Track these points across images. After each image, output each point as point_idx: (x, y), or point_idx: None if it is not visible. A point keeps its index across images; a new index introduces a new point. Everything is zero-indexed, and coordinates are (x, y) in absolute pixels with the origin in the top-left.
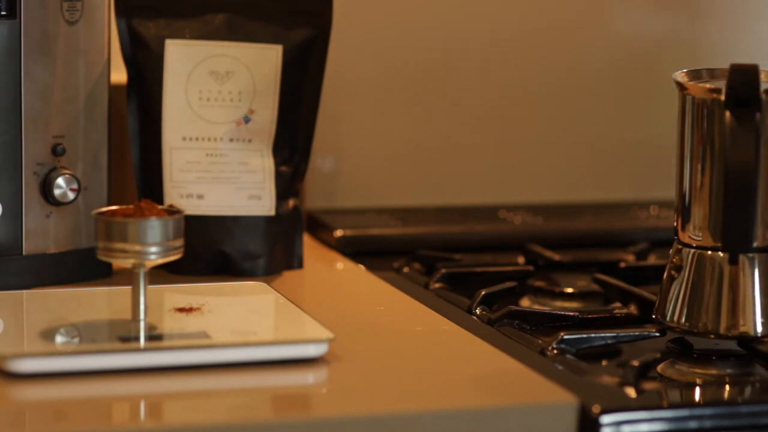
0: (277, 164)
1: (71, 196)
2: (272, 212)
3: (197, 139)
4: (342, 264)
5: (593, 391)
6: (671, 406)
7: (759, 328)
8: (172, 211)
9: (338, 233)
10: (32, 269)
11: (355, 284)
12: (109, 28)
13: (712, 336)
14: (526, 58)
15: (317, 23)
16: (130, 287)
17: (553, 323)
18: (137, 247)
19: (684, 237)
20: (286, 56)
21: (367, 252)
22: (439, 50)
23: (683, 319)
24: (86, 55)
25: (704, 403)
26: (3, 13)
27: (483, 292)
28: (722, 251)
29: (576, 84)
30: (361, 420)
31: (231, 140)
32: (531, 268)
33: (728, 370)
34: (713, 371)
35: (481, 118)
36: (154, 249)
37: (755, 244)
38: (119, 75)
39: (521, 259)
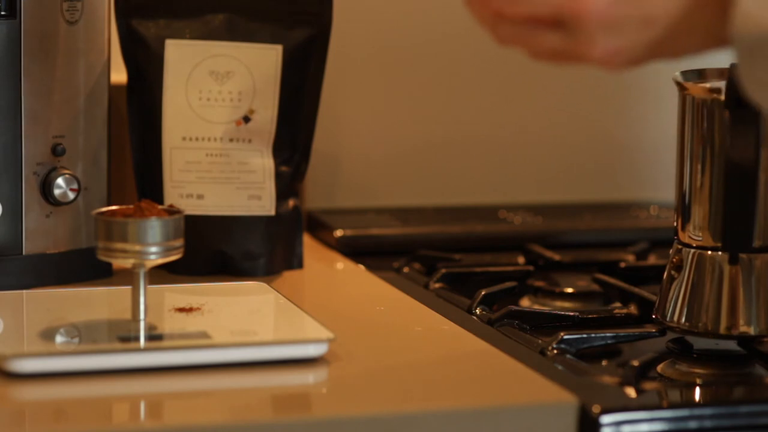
0: (277, 164)
1: (71, 196)
2: (272, 212)
3: (197, 139)
4: (342, 264)
5: (593, 391)
6: (671, 406)
7: (759, 328)
8: (172, 211)
9: (338, 233)
10: (32, 269)
11: (355, 284)
12: (109, 28)
13: (712, 336)
14: (525, 58)
15: (317, 23)
16: (130, 287)
17: (553, 323)
18: (137, 247)
19: (684, 237)
20: (286, 56)
21: (367, 252)
22: (439, 51)
23: (683, 319)
24: (86, 55)
25: (704, 403)
26: (3, 13)
27: (483, 292)
28: (722, 251)
29: (576, 84)
30: (361, 420)
31: (231, 140)
32: (531, 268)
33: (728, 370)
34: (713, 371)
35: (481, 118)
36: (154, 249)
37: (755, 244)
38: (119, 75)
39: (521, 259)
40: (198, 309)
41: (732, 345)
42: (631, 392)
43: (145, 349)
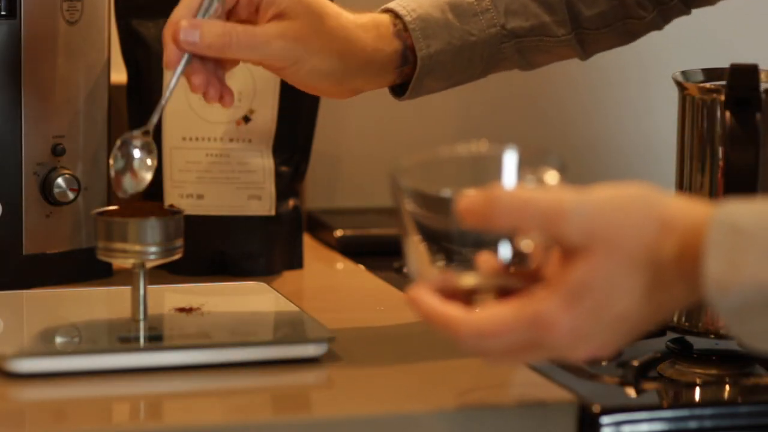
0: (277, 164)
1: (71, 196)
2: (272, 212)
3: (197, 139)
4: (342, 264)
5: (593, 391)
6: (671, 406)
7: None
8: (172, 211)
9: (338, 233)
10: (32, 269)
11: (355, 284)
12: (109, 28)
13: (712, 336)
14: None
15: None
16: (130, 287)
17: None
18: (137, 247)
19: None
20: None
21: (367, 252)
22: None
23: (683, 319)
24: (86, 55)
25: (704, 403)
26: (3, 13)
27: None
28: None
29: (576, 83)
30: (361, 420)
31: (231, 140)
32: None
33: (728, 370)
34: (713, 371)
35: (481, 117)
36: (154, 249)
37: None
38: (119, 75)
39: None
40: (198, 309)
41: (732, 345)
42: (631, 392)
43: (145, 349)
